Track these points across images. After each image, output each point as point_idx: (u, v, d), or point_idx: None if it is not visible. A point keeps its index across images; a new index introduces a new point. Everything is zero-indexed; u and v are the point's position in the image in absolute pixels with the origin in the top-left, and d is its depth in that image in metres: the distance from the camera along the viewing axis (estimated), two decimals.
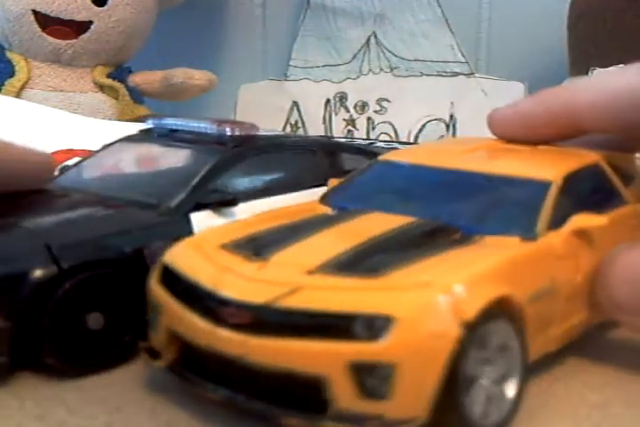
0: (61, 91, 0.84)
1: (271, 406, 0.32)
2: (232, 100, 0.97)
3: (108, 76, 0.86)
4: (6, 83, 0.82)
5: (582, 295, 0.38)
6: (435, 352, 0.30)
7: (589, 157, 0.42)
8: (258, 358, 0.32)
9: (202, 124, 0.49)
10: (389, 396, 0.30)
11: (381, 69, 0.95)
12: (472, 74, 0.93)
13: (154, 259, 0.38)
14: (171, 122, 0.50)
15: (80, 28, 0.83)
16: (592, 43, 0.79)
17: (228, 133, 0.48)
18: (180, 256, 0.36)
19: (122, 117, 0.83)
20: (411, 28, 0.93)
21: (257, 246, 0.36)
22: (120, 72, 0.87)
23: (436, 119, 0.92)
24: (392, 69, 0.94)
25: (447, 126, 0.92)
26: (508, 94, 0.87)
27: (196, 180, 0.44)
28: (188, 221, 0.43)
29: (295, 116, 0.96)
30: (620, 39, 0.77)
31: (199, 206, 0.43)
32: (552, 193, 0.38)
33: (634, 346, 0.42)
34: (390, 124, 0.93)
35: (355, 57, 0.95)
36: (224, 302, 0.33)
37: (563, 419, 0.35)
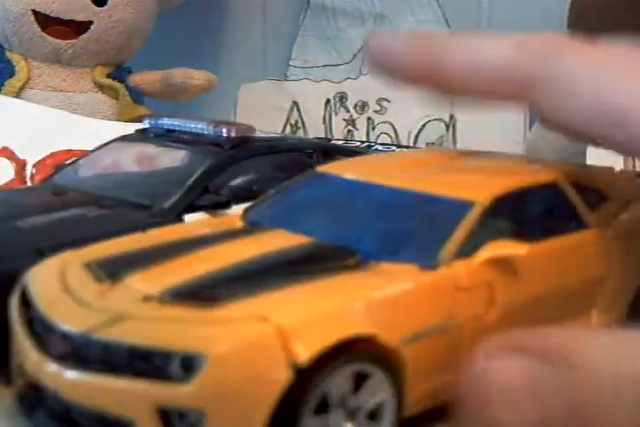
0: (61, 91, 0.84)
1: None
2: (232, 100, 0.97)
3: (108, 76, 0.86)
4: (6, 83, 0.82)
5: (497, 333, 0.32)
6: (254, 399, 0.26)
7: (545, 174, 0.36)
8: (71, 395, 0.28)
9: (198, 125, 0.49)
10: None
11: None
12: None
13: None
14: (167, 122, 0.50)
15: (80, 28, 0.83)
16: None
17: (225, 135, 0.48)
18: (37, 274, 0.33)
19: (122, 117, 0.83)
20: (411, 27, 0.93)
21: (120, 266, 0.32)
22: (120, 72, 0.87)
23: (435, 119, 0.92)
24: None
25: (447, 126, 0.92)
26: None
27: (191, 181, 0.44)
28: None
29: (295, 116, 0.96)
30: (620, 39, 0.76)
31: (193, 208, 0.43)
32: (472, 216, 0.32)
33: None
34: (390, 124, 0.93)
35: (355, 57, 0.95)
36: (50, 329, 0.29)
37: None
